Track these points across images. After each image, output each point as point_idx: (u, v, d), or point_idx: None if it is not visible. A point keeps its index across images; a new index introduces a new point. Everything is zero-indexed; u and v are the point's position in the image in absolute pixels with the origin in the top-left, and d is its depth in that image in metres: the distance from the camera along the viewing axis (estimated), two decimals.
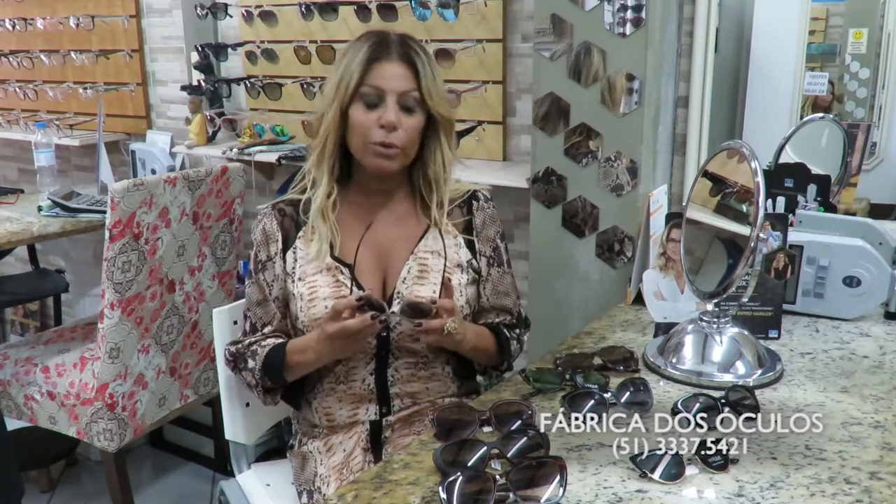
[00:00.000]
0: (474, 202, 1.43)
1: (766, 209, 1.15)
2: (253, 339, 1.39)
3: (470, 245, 1.41)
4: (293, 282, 1.36)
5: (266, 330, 1.40)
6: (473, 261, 1.41)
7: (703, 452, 0.97)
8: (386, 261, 1.37)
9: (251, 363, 1.36)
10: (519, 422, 1.06)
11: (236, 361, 1.41)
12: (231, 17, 2.59)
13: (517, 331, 1.45)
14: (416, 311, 1.22)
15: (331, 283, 1.34)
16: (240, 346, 1.41)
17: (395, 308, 1.28)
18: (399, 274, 1.35)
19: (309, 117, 1.33)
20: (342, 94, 1.30)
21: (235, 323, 1.53)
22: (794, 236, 1.46)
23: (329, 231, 1.35)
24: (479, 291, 1.42)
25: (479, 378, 1.52)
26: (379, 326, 1.22)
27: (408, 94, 1.30)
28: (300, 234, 1.38)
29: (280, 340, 1.37)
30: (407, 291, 1.33)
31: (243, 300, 1.56)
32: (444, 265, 1.36)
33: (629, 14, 1.62)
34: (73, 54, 3.02)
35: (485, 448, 0.97)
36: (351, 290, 1.32)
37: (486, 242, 1.43)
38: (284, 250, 1.38)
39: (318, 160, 1.35)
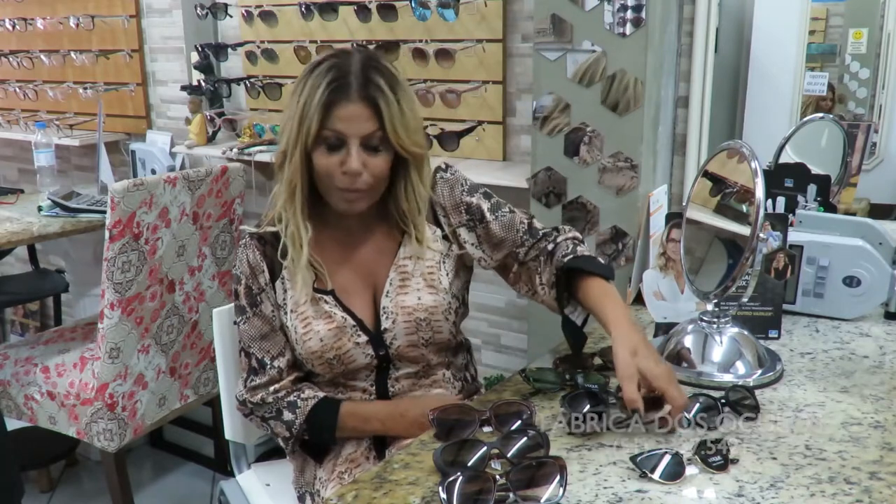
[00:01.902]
0: (433, 189, 1.35)
1: (766, 209, 1.15)
2: (279, 386, 1.33)
3: (444, 233, 1.35)
4: (285, 314, 1.31)
5: (278, 363, 1.33)
6: (454, 246, 1.35)
7: (703, 452, 0.97)
8: (371, 278, 1.34)
9: (288, 415, 1.31)
10: (519, 422, 1.06)
11: (261, 411, 1.34)
12: (231, 17, 2.59)
13: (552, 237, 1.32)
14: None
15: (321, 313, 1.29)
16: (263, 394, 1.33)
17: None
18: (383, 289, 1.32)
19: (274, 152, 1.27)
20: (304, 137, 1.21)
21: (235, 323, 1.52)
22: (794, 236, 1.46)
23: (311, 267, 1.29)
24: (483, 261, 1.36)
25: (482, 375, 1.51)
26: None
27: (371, 135, 1.21)
28: (285, 263, 1.31)
29: (322, 394, 1.33)
30: (392, 304, 1.30)
31: None
32: (425, 267, 1.32)
33: (629, 14, 1.62)
34: (73, 54, 3.02)
35: (485, 448, 0.97)
36: (343, 317, 1.29)
37: (454, 212, 1.34)
38: (273, 280, 1.32)
39: (288, 204, 1.27)
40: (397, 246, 1.34)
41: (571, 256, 1.26)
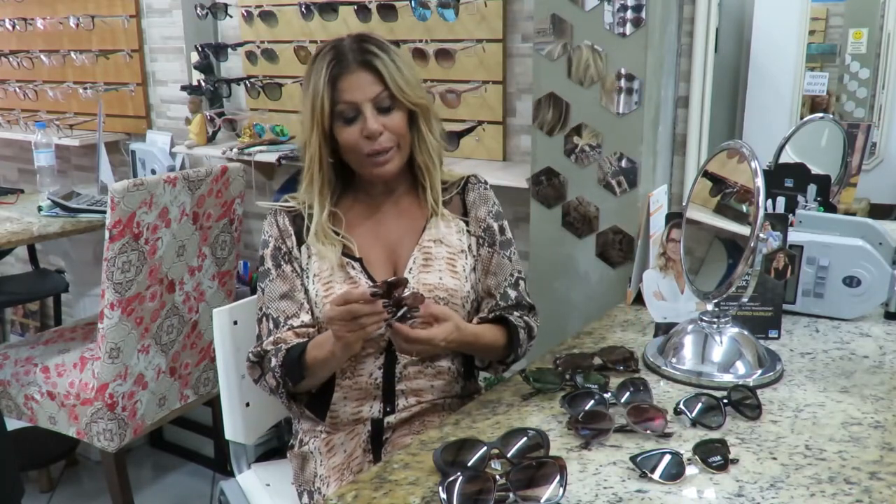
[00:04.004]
0: (468, 186, 1.46)
1: (766, 209, 1.15)
2: (279, 336, 1.35)
3: (468, 225, 1.43)
4: (307, 278, 1.38)
5: (293, 321, 1.36)
6: (472, 244, 1.42)
7: (703, 452, 0.97)
8: (395, 254, 1.40)
9: (273, 361, 1.32)
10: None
11: (262, 364, 1.35)
12: (231, 17, 2.59)
13: (517, 313, 1.39)
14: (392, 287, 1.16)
15: (345, 278, 1.35)
16: (266, 345, 1.35)
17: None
18: (406, 265, 1.37)
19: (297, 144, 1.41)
20: (319, 118, 1.32)
21: (235, 323, 1.53)
22: (794, 236, 1.46)
23: (336, 243, 1.36)
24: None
25: (482, 375, 1.52)
26: (382, 313, 1.15)
27: (379, 96, 1.31)
28: (314, 235, 1.38)
29: (303, 340, 1.33)
30: (414, 280, 1.35)
31: (244, 300, 1.56)
32: (447, 253, 1.38)
33: (629, 14, 1.62)
34: (73, 54, 3.02)
35: (485, 448, 0.97)
36: (367, 283, 1.33)
37: (476, 223, 1.44)
38: (298, 245, 1.40)
39: (307, 186, 1.38)
40: (422, 227, 1.40)
41: (512, 319, 1.35)
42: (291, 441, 1.50)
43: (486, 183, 1.47)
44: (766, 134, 1.84)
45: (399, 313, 1.16)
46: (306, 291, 1.38)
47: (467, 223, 1.43)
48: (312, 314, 1.38)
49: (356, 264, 1.36)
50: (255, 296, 1.43)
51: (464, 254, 1.40)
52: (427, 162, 1.39)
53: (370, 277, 1.35)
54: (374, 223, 1.41)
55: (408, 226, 1.41)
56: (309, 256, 1.38)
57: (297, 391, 1.37)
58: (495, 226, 1.44)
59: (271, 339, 1.35)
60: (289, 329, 1.36)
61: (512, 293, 1.40)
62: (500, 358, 1.39)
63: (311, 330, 1.37)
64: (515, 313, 1.38)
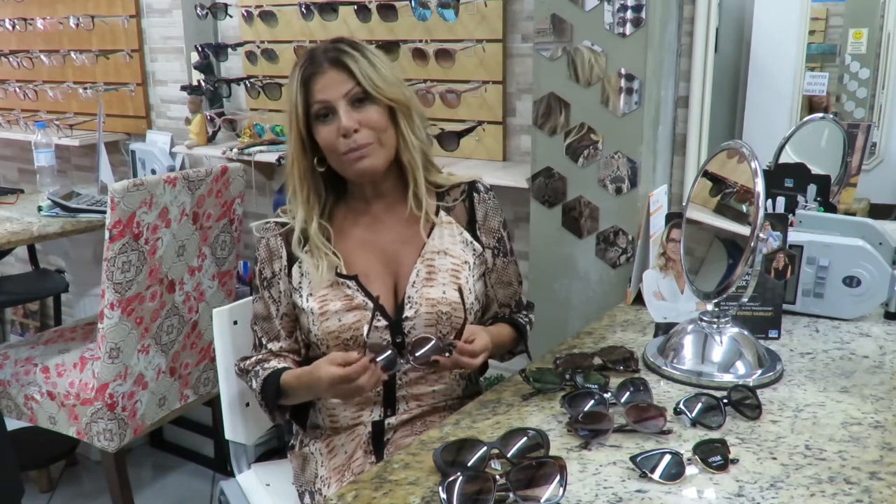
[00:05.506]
0: (475, 195, 1.43)
1: (766, 209, 1.15)
2: (260, 357, 1.40)
3: (476, 239, 1.42)
4: (301, 297, 1.36)
5: (272, 346, 1.40)
6: (481, 254, 1.42)
7: (703, 452, 0.97)
8: (395, 265, 1.37)
9: (254, 384, 1.38)
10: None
11: (245, 378, 1.42)
12: (231, 17, 2.59)
13: (524, 312, 1.49)
14: (427, 358, 1.23)
15: (341, 296, 1.33)
16: (247, 362, 1.42)
17: (409, 314, 1.33)
18: (408, 277, 1.35)
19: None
20: (296, 123, 1.32)
21: (235, 323, 1.53)
22: (794, 236, 1.46)
23: (329, 256, 1.34)
24: (486, 282, 1.43)
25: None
26: (383, 375, 1.21)
27: (351, 92, 1.29)
28: (305, 248, 1.36)
29: (280, 366, 1.37)
30: (417, 294, 1.33)
31: (244, 300, 1.57)
32: (451, 264, 1.37)
33: (629, 14, 1.62)
34: (73, 54, 3.02)
35: (485, 448, 0.97)
36: (364, 301, 1.32)
37: (490, 234, 1.43)
38: (290, 265, 1.38)
39: (292, 196, 1.37)
40: (424, 238, 1.38)
41: (520, 319, 1.46)
42: (292, 441, 1.50)
43: (487, 190, 1.45)
44: (766, 134, 1.84)
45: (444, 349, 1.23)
46: (288, 315, 1.39)
47: (475, 235, 1.41)
48: (303, 330, 1.39)
49: (351, 282, 1.34)
50: None
51: (467, 265, 1.38)
52: (411, 160, 1.35)
53: (367, 294, 1.33)
54: (370, 233, 1.39)
55: (407, 235, 1.38)
56: (301, 275, 1.36)
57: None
58: (505, 235, 1.45)
59: (253, 359, 1.41)
60: (268, 353, 1.41)
61: (524, 299, 1.51)
62: (509, 351, 1.48)
63: (292, 356, 1.41)
64: (522, 313, 1.49)
